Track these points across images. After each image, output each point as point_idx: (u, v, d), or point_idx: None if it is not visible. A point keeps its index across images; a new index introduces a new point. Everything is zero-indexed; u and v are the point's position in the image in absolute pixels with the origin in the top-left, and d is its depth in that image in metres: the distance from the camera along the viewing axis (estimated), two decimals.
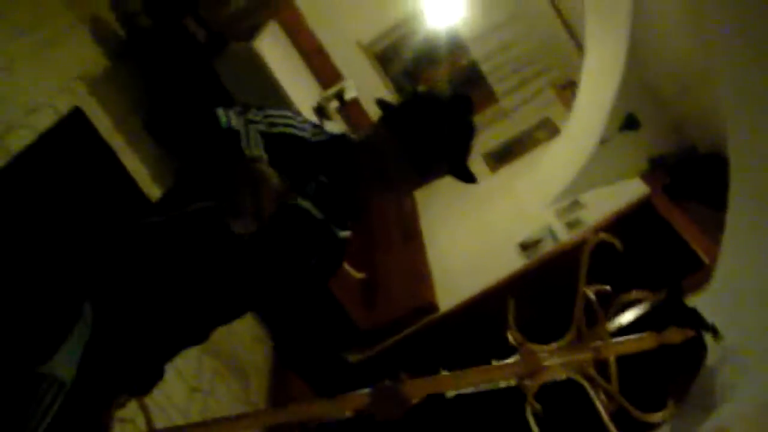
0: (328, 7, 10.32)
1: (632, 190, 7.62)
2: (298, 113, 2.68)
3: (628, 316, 5.75)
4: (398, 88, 10.56)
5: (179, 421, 5.06)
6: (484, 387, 3.15)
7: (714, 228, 6.06)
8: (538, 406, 3.12)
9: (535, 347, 3.14)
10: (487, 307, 7.35)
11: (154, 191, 6.45)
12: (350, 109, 9.89)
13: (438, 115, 2.61)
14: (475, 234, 8.56)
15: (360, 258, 7.97)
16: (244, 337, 6.60)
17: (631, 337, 3.17)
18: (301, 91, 8.30)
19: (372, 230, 8.61)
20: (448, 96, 2.68)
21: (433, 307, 7.62)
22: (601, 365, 3.22)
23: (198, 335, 2.68)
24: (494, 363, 3.19)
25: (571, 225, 7.70)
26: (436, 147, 2.58)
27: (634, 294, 3.37)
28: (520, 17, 10.49)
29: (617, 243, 3.06)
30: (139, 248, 2.45)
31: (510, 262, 7.69)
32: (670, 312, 4.12)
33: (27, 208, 4.71)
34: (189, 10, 7.74)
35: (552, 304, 7.09)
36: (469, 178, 2.65)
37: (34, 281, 2.37)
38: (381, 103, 2.72)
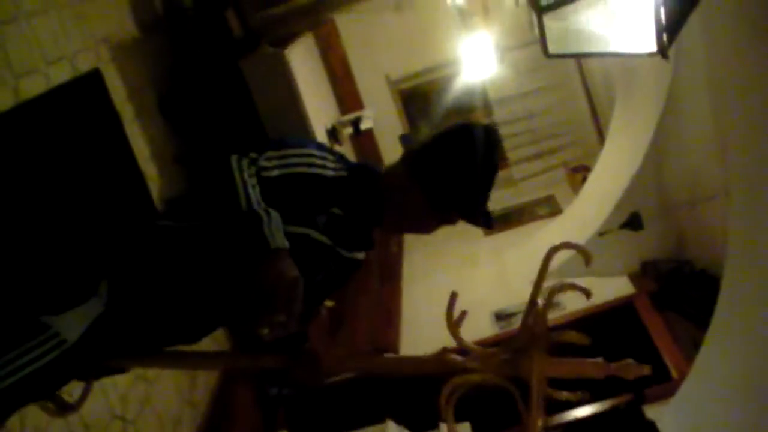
0: (368, 35, 10.36)
1: (618, 287, 7.60)
2: (320, 146, 2.73)
3: (585, 410, 5.74)
4: (412, 130, 10.56)
5: (116, 403, 5.00)
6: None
7: (689, 345, 6.03)
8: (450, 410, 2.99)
9: (469, 344, 2.99)
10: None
11: (150, 168, 6.42)
12: (363, 138, 9.87)
13: (461, 158, 2.63)
14: (454, 291, 8.50)
15: None
16: None
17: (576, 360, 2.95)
18: (319, 110, 8.26)
19: None
20: (472, 136, 2.67)
21: (393, 351, 7.56)
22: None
23: (193, 337, 2.78)
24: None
25: (550, 307, 7.65)
26: (457, 191, 2.62)
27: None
28: (551, 90, 10.52)
29: (582, 339, 2.90)
30: (153, 250, 2.56)
31: (481, 328, 7.63)
32: (628, 418, 4.08)
33: (24, 157, 4.67)
34: (233, 2, 7.74)
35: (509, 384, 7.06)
36: (486, 222, 2.70)
37: (53, 244, 2.57)
38: (404, 140, 2.72)
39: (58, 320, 2.39)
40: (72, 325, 2.41)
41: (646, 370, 2.69)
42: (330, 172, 2.63)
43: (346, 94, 10.31)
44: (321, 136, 7.87)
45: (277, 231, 2.35)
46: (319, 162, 2.62)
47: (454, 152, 2.64)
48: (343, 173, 2.67)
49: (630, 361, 2.71)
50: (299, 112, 7.42)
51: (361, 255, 2.84)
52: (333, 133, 8.44)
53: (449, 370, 2.91)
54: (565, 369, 2.82)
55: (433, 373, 2.99)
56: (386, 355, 3.07)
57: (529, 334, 2.83)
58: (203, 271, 2.52)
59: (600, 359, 2.75)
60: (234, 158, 2.47)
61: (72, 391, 2.96)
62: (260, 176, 2.50)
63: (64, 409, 3.10)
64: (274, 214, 2.38)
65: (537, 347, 2.79)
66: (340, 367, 2.95)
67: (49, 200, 4.72)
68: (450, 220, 2.71)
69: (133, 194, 5.89)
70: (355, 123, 9.08)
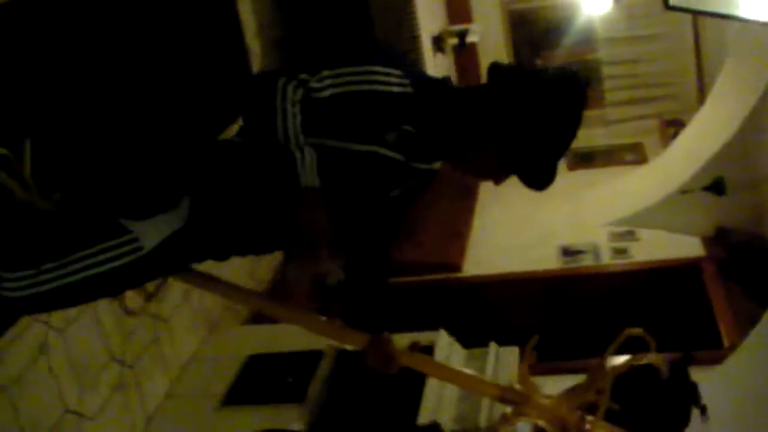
0: None
1: (688, 246, 7.62)
2: (386, 59, 2.63)
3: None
4: (515, 51, 10.52)
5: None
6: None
7: (746, 319, 6.06)
8: None
9: (533, 387, 3.10)
10: (504, 289, 7.42)
11: (254, 46, 6.49)
12: (466, 52, 9.85)
13: (547, 108, 2.50)
14: (526, 219, 8.56)
15: None
16: None
17: None
18: (429, 17, 8.27)
19: None
20: (563, 84, 2.53)
21: (456, 267, 7.68)
22: None
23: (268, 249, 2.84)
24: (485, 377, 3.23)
25: (618, 252, 7.70)
26: (534, 141, 2.50)
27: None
28: (661, 39, 10.36)
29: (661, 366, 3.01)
30: (226, 165, 2.59)
31: (545, 260, 7.76)
32: (673, 375, 4.13)
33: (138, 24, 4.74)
34: None
35: (562, 319, 7.15)
36: (542, 181, 2.55)
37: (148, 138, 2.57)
38: (494, 70, 2.61)
39: (139, 226, 2.47)
40: (151, 233, 2.48)
41: None
42: (395, 89, 2.55)
43: (458, 5, 10.26)
44: (426, 42, 7.89)
45: (310, 170, 2.37)
46: (381, 78, 2.54)
47: (545, 119, 2.49)
48: (408, 89, 2.57)
49: None
50: (410, 12, 7.42)
51: (438, 164, 2.77)
52: (438, 42, 8.45)
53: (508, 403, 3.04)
54: None
55: (490, 397, 3.13)
56: (455, 369, 3.15)
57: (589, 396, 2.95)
58: (258, 191, 2.53)
59: None
60: (281, 83, 2.44)
61: None
62: (310, 98, 2.48)
63: (148, 299, 3.27)
64: (308, 151, 2.39)
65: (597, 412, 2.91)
66: (413, 364, 3.05)
67: (151, 78, 4.77)
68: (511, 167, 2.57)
69: (234, 73, 5.97)
70: (462, 35, 9.07)
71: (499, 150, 2.53)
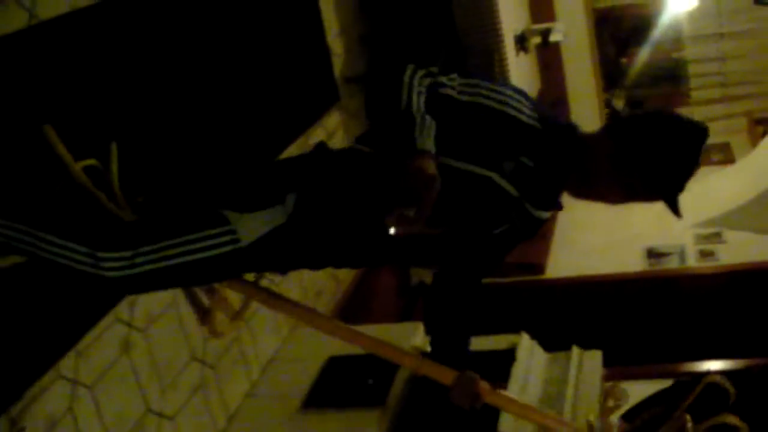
0: None
1: None
2: (518, 90, 2.65)
3: (717, 365, 5.70)
4: (600, 50, 10.39)
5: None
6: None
7: None
8: None
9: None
10: (587, 292, 7.33)
11: (336, 45, 6.49)
12: (549, 51, 9.74)
13: (671, 144, 2.47)
14: (610, 219, 8.43)
15: None
16: None
17: None
18: (511, 14, 8.16)
19: None
20: (685, 124, 2.51)
21: (540, 268, 7.61)
22: None
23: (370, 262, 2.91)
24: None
25: (704, 254, 7.58)
26: (657, 175, 2.49)
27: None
28: (749, 36, 10.18)
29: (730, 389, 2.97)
30: (337, 170, 2.60)
31: (630, 262, 7.66)
32: (759, 380, 4.06)
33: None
34: None
35: (647, 322, 7.05)
36: (675, 209, 2.57)
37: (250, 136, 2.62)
38: (612, 114, 2.64)
39: (239, 219, 2.49)
40: (250, 227, 2.50)
41: None
42: (524, 118, 2.55)
43: (540, 4, 10.16)
44: (509, 42, 7.81)
45: (427, 136, 2.32)
46: (513, 103, 2.55)
47: (671, 148, 2.47)
48: (536, 123, 2.57)
49: None
50: (492, 11, 7.35)
51: (546, 215, 2.75)
52: (521, 40, 8.36)
53: None
54: None
55: None
56: (537, 410, 3.17)
57: None
58: (365, 191, 2.53)
59: None
60: (410, 67, 2.48)
61: None
62: (437, 92, 2.50)
63: (235, 317, 3.28)
64: (429, 120, 2.35)
65: None
66: (497, 403, 3.07)
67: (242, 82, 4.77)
68: (638, 200, 2.60)
69: (318, 71, 6.00)
70: (545, 34, 8.97)
71: (626, 190, 2.54)
